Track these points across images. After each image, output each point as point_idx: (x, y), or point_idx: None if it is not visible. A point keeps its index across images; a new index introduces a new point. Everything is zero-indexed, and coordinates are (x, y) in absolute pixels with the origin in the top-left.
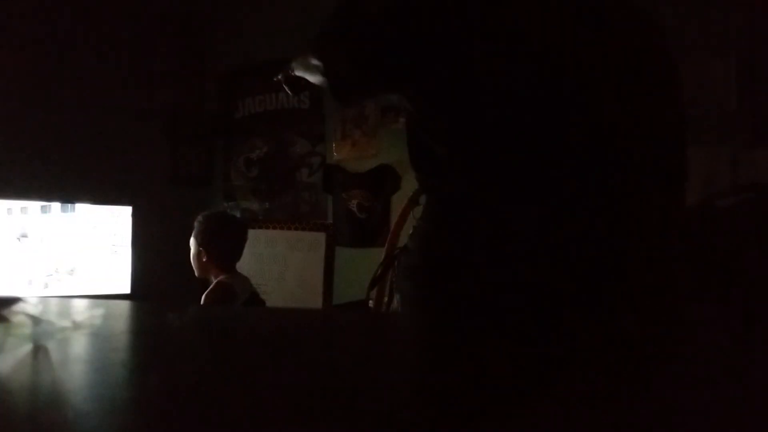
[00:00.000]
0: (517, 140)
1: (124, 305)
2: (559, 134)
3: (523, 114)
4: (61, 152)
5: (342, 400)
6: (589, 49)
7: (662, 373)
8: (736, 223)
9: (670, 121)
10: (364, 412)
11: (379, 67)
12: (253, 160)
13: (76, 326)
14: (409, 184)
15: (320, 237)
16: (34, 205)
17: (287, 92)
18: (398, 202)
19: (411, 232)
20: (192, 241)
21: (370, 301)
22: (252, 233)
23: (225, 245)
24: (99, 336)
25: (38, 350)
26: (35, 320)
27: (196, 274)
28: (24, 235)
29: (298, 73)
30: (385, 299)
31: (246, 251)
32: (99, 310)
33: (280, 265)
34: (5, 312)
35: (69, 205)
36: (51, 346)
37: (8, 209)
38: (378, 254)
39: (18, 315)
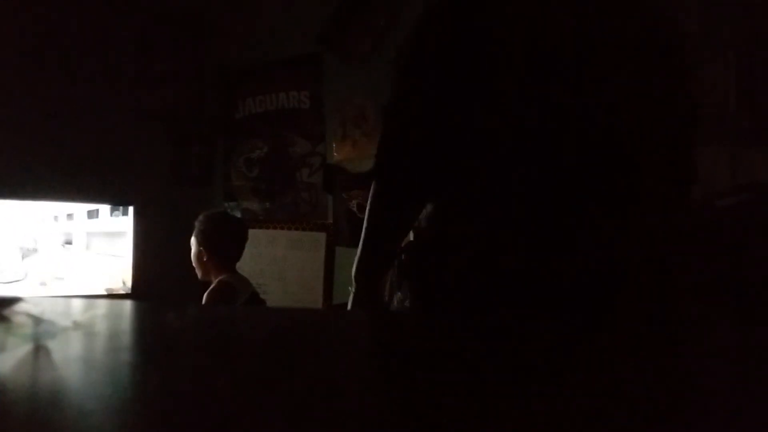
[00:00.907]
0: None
1: (124, 305)
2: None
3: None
4: (61, 152)
5: (342, 399)
6: (604, 57)
7: (662, 371)
8: (736, 223)
9: (682, 123)
10: (364, 412)
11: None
12: (254, 160)
13: (77, 326)
14: None
15: (320, 237)
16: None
17: None
18: None
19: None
20: (193, 241)
21: None
22: (252, 233)
23: (225, 245)
24: (99, 336)
25: (39, 350)
26: (36, 320)
27: (197, 273)
28: (68, 242)
29: None
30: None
31: (246, 251)
32: (99, 310)
33: (280, 265)
34: (6, 312)
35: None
36: (51, 345)
37: (55, 216)
38: None
39: (18, 315)
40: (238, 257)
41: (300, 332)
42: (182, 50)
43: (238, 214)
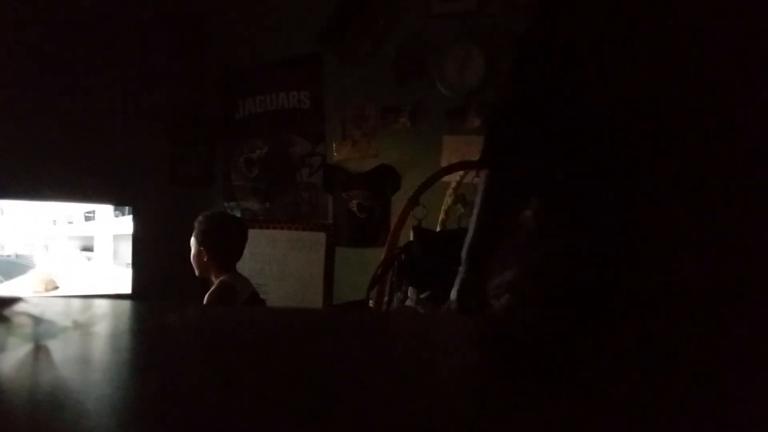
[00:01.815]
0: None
1: (124, 305)
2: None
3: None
4: (61, 152)
5: (342, 399)
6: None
7: (670, 372)
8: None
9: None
10: (364, 411)
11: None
12: (254, 160)
13: (77, 326)
14: (409, 185)
15: (320, 237)
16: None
17: None
18: (398, 202)
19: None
20: (193, 241)
21: (370, 301)
22: (252, 233)
23: (225, 245)
24: (99, 336)
25: (39, 350)
26: (36, 320)
27: (197, 273)
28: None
29: None
30: (385, 299)
31: (246, 251)
32: (99, 310)
33: (280, 265)
34: (6, 312)
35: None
36: (52, 345)
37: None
38: (378, 254)
39: (19, 315)
40: (238, 257)
41: (300, 332)
42: (183, 51)
43: (238, 214)
